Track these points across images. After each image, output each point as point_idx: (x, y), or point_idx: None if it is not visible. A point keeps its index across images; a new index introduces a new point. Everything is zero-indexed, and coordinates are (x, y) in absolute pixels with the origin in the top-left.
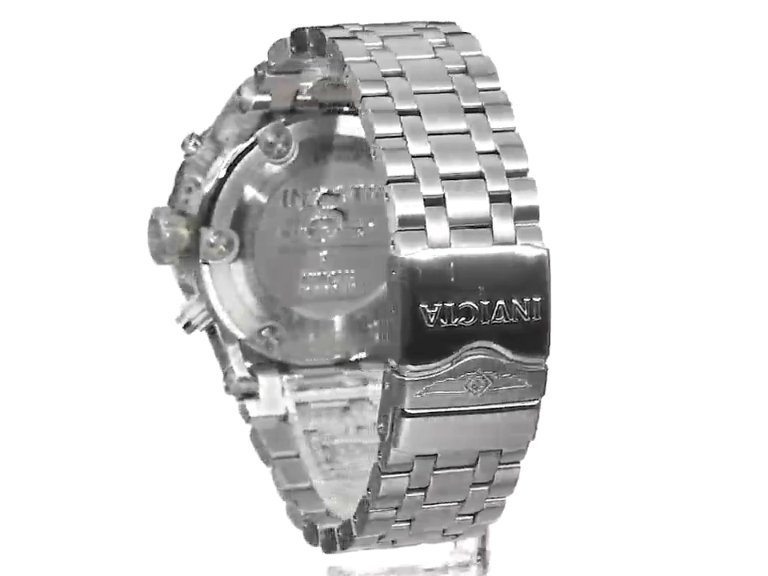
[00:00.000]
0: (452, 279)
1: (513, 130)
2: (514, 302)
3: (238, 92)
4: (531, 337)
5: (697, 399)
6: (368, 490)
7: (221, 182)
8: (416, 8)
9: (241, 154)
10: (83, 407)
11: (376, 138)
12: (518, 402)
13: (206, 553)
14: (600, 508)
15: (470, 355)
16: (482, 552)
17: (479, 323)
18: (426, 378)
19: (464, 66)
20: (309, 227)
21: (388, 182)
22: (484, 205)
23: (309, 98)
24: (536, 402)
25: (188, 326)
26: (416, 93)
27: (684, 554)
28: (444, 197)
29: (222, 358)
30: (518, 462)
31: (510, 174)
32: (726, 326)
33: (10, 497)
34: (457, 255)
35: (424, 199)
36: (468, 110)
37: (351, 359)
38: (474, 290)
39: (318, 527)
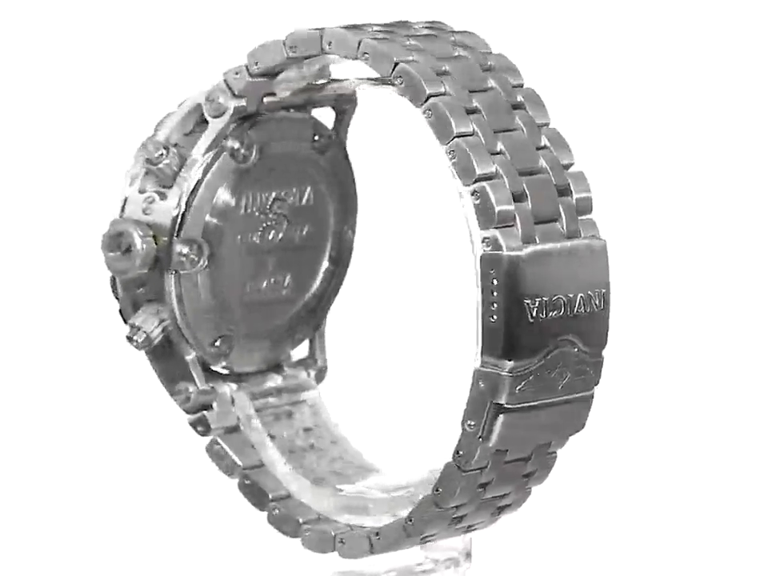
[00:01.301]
0: (547, 273)
1: (548, 125)
2: (589, 293)
3: (210, 99)
4: (598, 327)
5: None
6: (436, 490)
7: (193, 193)
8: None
9: (209, 163)
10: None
11: (456, 136)
12: (584, 392)
13: (206, 559)
14: (592, 507)
15: (558, 347)
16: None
17: (566, 315)
18: (523, 372)
19: (489, 64)
20: (261, 232)
21: (477, 180)
22: (555, 200)
23: (276, 99)
24: (593, 391)
25: (143, 342)
26: (470, 91)
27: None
28: (526, 193)
29: (173, 372)
30: (556, 452)
31: (564, 168)
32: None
33: None
34: (547, 249)
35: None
36: (513, 107)
37: (278, 363)
38: (562, 283)
39: (332, 533)
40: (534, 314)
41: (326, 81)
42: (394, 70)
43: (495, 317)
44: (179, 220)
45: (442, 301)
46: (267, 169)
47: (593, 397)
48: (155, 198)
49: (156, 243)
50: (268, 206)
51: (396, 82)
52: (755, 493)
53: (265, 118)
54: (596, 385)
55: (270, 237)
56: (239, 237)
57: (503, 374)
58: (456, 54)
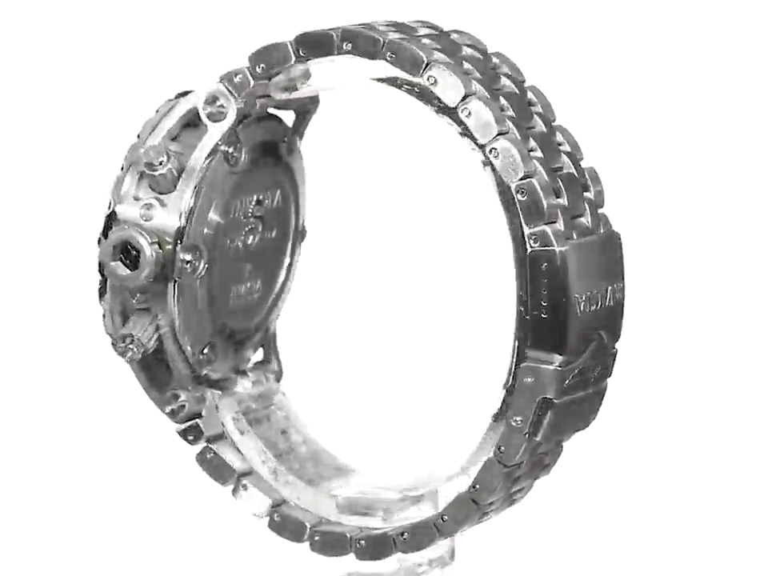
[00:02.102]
0: (587, 268)
1: (555, 121)
2: (614, 285)
3: (210, 102)
4: (617, 320)
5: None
6: (474, 486)
7: (196, 198)
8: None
9: (207, 168)
10: None
11: (498, 134)
12: (603, 384)
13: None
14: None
15: (593, 341)
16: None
17: (601, 309)
18: (571, 367)
19: (495, 62)
20: (243, 236)
21: (524, 178)
22: (581, 195)
23: (265, 102)
24: (606, 383)
25: (139, 351)
26: (494, 90)
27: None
28: (562, 189)
29: (164, 382)
30: (563, 444)
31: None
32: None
33: None
34: (585, 244)
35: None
36: (528, 104)
37: (240, 369)
38: (599, 277)
39: (347, 535)
40: (581, 308)
41: (304, 83)
42: (424, 69)
43: (546, 312)
44: (183, 227)
45: (389, 299)
46: (251, 172)
47: (606, 388)
48: (154, 204)
49: (162, 250)
50: (250, 210)
51: (428, 82)
52: (754, 487)
53: (248, 121)
54: (609, 377)
55: (249, 241)
56: (228, 241)
57: (553, 368)
58: (463, 53)
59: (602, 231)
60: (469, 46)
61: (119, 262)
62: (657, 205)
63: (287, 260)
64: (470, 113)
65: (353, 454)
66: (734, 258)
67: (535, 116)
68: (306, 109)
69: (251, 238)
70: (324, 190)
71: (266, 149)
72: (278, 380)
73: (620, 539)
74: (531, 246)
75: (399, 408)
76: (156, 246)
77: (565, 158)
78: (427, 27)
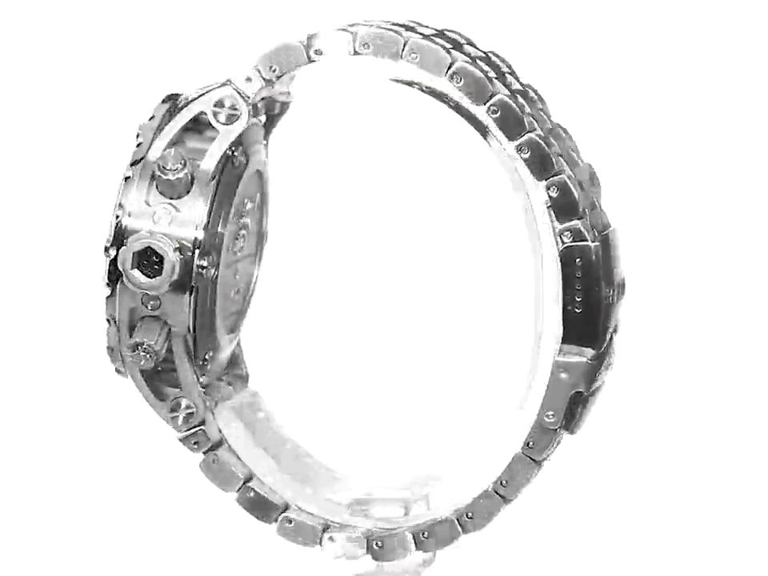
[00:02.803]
0: (611, 261)
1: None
2: (622, 280)
3: (221, 105)
4: (620, 312)
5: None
6: (502, 482)
7: (210, 204)
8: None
9: (219, 173)
10: None
11: (528, 132)
12: (607, 377)
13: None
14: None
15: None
16: None
17: (616, 302)
18: (600, 360)
19: (495, 60)
20: (236, 240)
21: (554, 174)
22: (591, 191)
23: (263, 104)
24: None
25: (151, 359)
26: (507, 86)
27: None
28: (582, 185)
29: (170, 390)
30: None
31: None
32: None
33: None
34: (608, 238)
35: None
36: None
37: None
38: (619, 270)
39: (363, 537)
40: (610, 301)
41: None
42: (449, 69)
43: (580, 307)
44: (201, 233)
45: (370, 297)
46: (241, 176)
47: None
48: (169, 210)
49: (183, 256)
50: (242, 213)
51: (454, 82)
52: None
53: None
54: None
55: (240, 245)
56: (229, 245)
57: (586, 362)
58: (468, 52)
59: (610, 225)
60: (469, 44)
61: (138, 270)
62: (643, 201)
63: (257, 263)
64: (497, 110)
65: (336, 455)
66: (728, 257)
67: (542, 113)
68: (279, 111)
69: (241, 241)
70: (295, 193)
71: (256, 150)
72: (246, 383)
73: (610, 536)
74: (564, 242)
75: (376, 407)
76: (178, 252)
77: (573, 154)
78: (424, 27)
